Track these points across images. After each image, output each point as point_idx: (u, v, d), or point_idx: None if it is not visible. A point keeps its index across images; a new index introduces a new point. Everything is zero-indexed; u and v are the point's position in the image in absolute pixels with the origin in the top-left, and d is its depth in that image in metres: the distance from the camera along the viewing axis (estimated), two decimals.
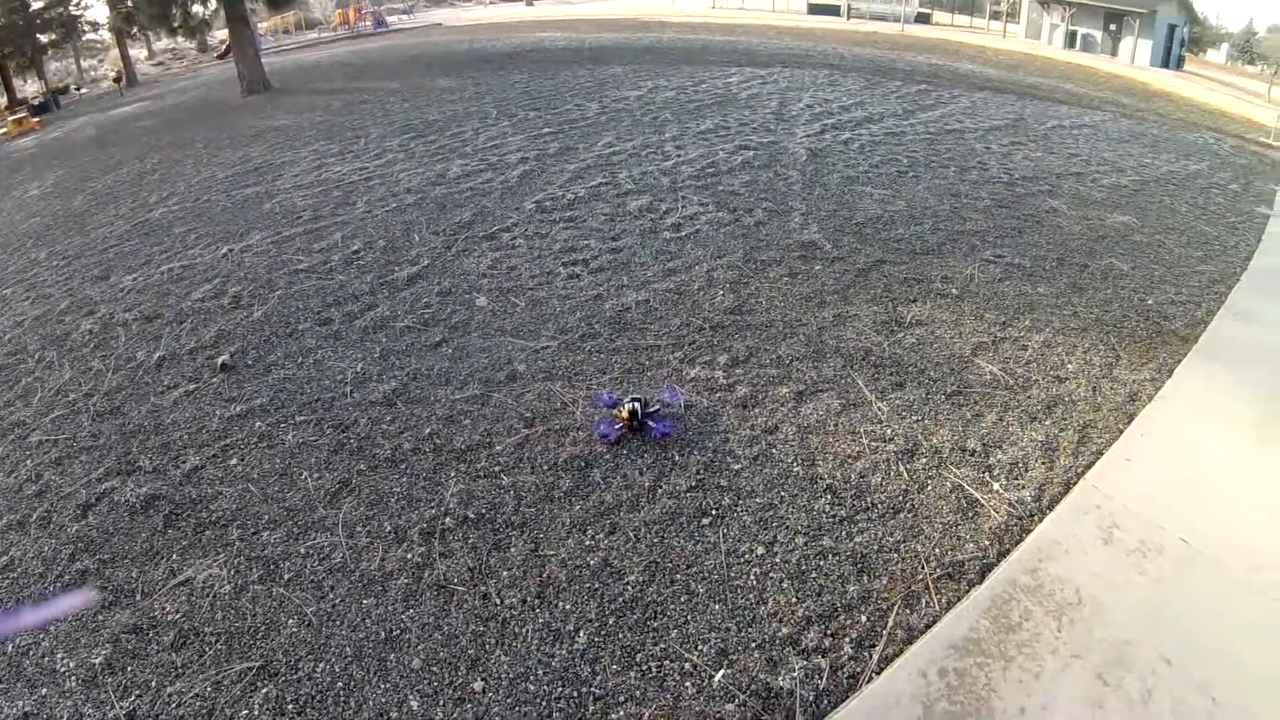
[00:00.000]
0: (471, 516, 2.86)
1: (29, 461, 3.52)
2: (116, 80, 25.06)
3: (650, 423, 3.25)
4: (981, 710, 2.11)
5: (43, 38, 24.60)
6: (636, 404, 3.24)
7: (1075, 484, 2.98)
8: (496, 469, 3.13)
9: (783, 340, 4.05)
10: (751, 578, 2.57)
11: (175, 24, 15.70)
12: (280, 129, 10.63)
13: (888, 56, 15.33)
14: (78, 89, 27.28)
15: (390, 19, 32.86)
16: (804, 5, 33.49)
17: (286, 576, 2.65)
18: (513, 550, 2.70)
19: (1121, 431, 3.30)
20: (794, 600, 2.48)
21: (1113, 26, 26.91)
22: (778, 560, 2.63)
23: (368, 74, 15.40)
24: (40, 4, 23.82)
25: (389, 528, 2.84)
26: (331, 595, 2.55)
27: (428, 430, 3.41)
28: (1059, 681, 2.20)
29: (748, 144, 7.84)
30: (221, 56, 25.64)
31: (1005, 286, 4.68)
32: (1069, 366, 3.81)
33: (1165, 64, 25.39)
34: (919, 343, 4.02)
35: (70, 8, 24.69)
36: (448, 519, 2.86)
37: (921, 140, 8.10)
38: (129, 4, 17.18)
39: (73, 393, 4.06)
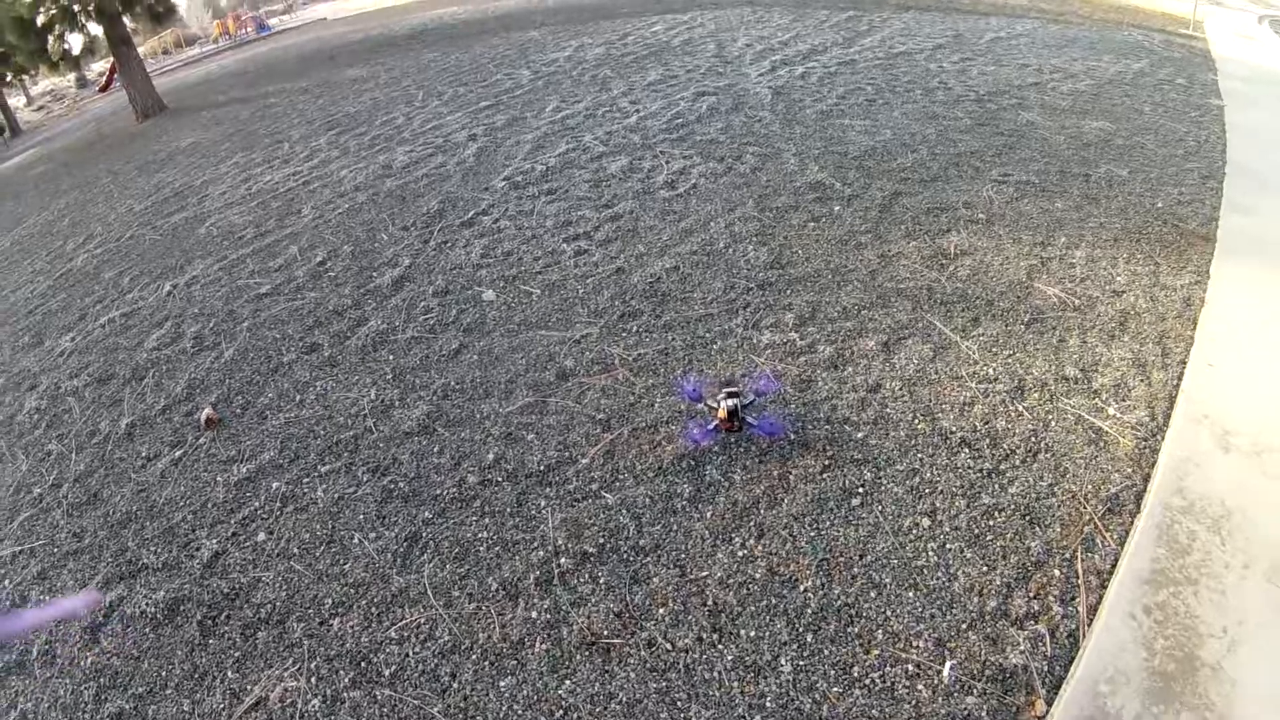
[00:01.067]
0: (590, 550, 2.39)
1: (5, 583, 2.79)
2: None
3: (750, 419, 2.71)
4: (1193, 638, 2.05)
5: None
6: (734, 400, 2.68)
7: (1177, 396, 2.87)
8: (594, 487, 2.65)
9: (839, 289, 3.70)
10: (930, 554, 2.25)
11: (55, 58, 13.49)
12: (190, 148, 9.39)
13: None
14: None
15: (271, 21, 30.42)
16: None
17: (387, 672, 2.11)
18: (656, 580, 2.26)
19: (1192, 338, 3.21)
20: (984, 569, 2.18)
21: None
22: (947, 529, 2.32)
23: (267, 78, 13.87)
24: None
25: (493, 584, 2.33)
26: (456, 685, 2.04)
27: (490, 456, 2.88)
28: (1242, 593, 2.17)
29: (705, 90, 7.38)
30: (103, 89, 23.27)
31: (1025, 205, 4.48)
32: (1119, 279, 3.66)
33: None
34: (973, 274, 3.76)
35: None
36: (562, 559, 2.37)
37: (876, 66, 7.84)
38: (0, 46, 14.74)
39: (36, 486, 3.28)
